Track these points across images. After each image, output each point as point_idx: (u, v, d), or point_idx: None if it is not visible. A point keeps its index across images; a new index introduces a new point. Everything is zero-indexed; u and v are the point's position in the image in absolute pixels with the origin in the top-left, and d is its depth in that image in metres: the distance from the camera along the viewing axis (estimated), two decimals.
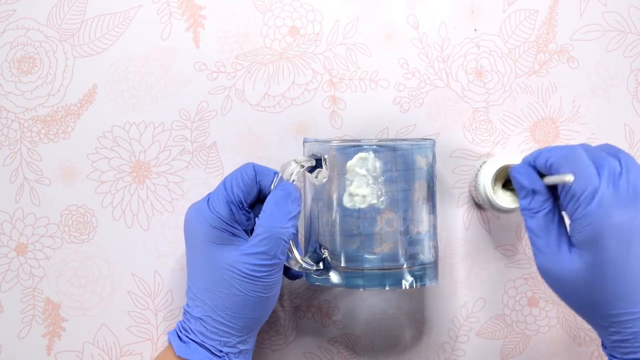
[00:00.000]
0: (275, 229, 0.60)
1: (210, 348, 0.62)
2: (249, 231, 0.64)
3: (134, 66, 0.74)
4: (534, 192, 0.59)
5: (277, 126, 0.73)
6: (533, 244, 0.59)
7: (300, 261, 0.63)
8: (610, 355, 0.58)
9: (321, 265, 0.65)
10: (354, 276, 0.64)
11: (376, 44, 0.74)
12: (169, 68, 0.73)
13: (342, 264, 0.65)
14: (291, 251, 0.62)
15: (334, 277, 0.65)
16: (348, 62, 0.74)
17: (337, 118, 0.74)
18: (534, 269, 0.72)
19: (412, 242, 0.65)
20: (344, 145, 0.65)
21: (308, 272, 0.65)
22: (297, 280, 0.72)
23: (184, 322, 0.64)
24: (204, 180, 0.73)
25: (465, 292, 0.73)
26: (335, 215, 0.65)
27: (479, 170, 0.71)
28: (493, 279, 0.73)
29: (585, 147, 0.58)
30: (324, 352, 0.73)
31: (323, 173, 0.65)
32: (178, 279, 0.73)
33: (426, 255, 0.66)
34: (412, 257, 0.65)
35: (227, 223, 0.62)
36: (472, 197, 0.73)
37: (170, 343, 0.64)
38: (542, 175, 0.60)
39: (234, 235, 0.62)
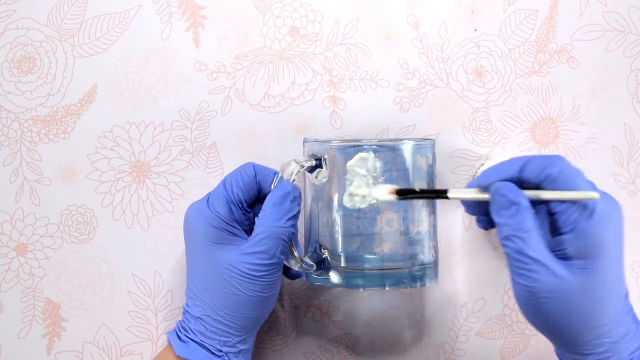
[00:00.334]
0: (275, 229, 0.60)
1: (210, 348, 0.62)
2: (249, 231, 0.64)
3: (134, 66, 0.74)
4: (525, 209, 0.56)
5: (277, 126, 0.74)
6: (523, 265, 0.56)
7: (300, 261, 0.63)
8: None
9: (321, 265, 0.65)
10: (354, 276, 0.64)
11: (376, 44, 0.74)
12: (169, 68, 0.74)
13: (342, 264, 0.65)
14: (291, 251, 0.62)
15: (334, 277, 0.65)
16: (348, 62, 0.74)
17: (337, 118, 0.74)
18: None
19: (412, 242, 0.65)
20: (344, 145, 0.65)
21: (308, 272, 0.65)
22: (297, 280, 0.72)
23: (184, 322, 0.64)
24: (204, 180, 0.73)
25: (465, 292, 0.73)
26: (335, 215, 0.65)
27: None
28: (493, 279, 0.73)
29: (536, 157, 0.58)
30: (324, 352, 0.73)
31: (323, 173, 0.65)
32: (178, 279, 0.73)
33: (426, 255, 0.66)
34: (412, 257, 0.65)
35: (226, 222, 0.62)
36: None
37: (169, 343, 0.64)
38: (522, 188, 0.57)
39: (234, 234, 0.62)
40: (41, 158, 0.73)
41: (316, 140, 0.67)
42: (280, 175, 0.63)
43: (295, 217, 0.62)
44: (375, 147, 0.64)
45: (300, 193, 0.63)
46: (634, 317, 0.59)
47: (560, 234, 0.56)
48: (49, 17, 0.73)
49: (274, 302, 0.64)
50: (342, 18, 0.74)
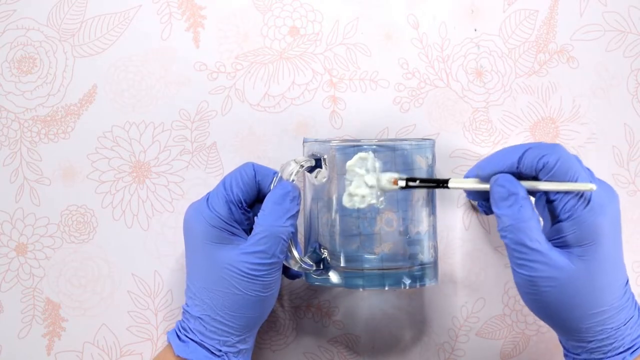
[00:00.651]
0: (274, 228, 0.60)
1: (210, 347, 0.62)
2: (248, 230, 0.64)
3: (134, 66, 0.74)
4: (523, 199, 0.57)
5: (277, 126, 0.74)
6: (522, 255, 0.57)
7: (300, 261, 0.63)
8: None
9: (321, 265, 0.65)
10: (354, 276, 0.64)
11: (376, 44, 0.74)
12: (169, 68, 0.74)
13: (342, 264, 0.65)
14: (290, 251, 0.62)
15: (333, 277, 0.65)
16: (348, 62, 0.74)
17: (337, 118, 0.74)
18: None
19: (411, 242, 0.65)
20: (343, 145, 0.65)
21: (307, 272, 0.65)
22: (297, 280, 0.72)
23: (183, 322, 0.64)
24: (204, 180, 0.73)
25: (465, 292, 0.73)
26: (335, 215, 0.65)
27: None
28: (493, 279, 0.73)
29: (535, 144, 0.58)
30: (324, 352, 0.73)
31: (323, 173, 0.65)
32: (178, 279, 0.73)
33: (426, 255, 0.66)
34: (411, 257, 0.65)
35: (226, 222, 0.62)
36: (469, 200, 0.73)
37: (169, 343, 0.64)
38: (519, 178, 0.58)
39: (233, 234, 0.62)
40: (41, 158, 0.73)
41: (316, 140, 0.67)
42: (279, 175, 0.63)
43: (295, 216, 0.62)
44: (375, 147, 0.64)
45: (299, 193, 0.63)
46: (636, 304, 0.60)
47: (559, 221, 0.57)
48: (49, 17, 0.73)
49: (274, 302, 0.64)
50: (342, 18, 0.74)
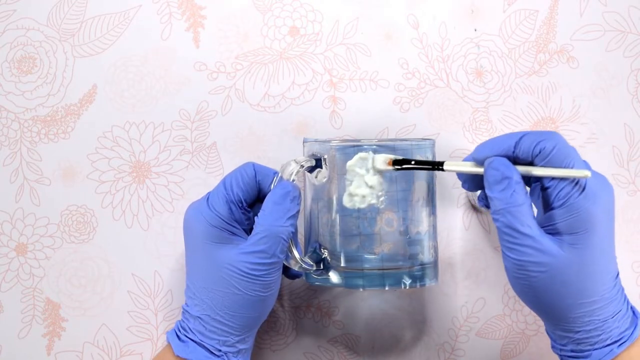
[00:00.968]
0: (274, 228, 0.60)
1: (209, 347, 0.62)
2: (249, 230, 0.64)
3: (134, 66, 0.74)
4: (516, 183, 0.57)
5: (277, 126, 0.74)
6: (513, 239, 0.56)
7: (300, 261, 0.63)
8: (571, 352, 0.59)
9: (321, 265, 0.65)
10: (354, 276, 0.64)
11: (376, 44, 0.74)
12: (169, 68, 0.74)
13: (342, 264, 0.65)
14: (291, 251, 0.62)
15: (333, 277, 0.65)
16: (348, 62, 0.74)
17: (337, 118, 0.74)
18: None
19: (411, 242, 0.65)
20: (343, 145, 0.65)
21: (308, 272, 0.65)
22: (297, 280, 0.72)
23: (183, 322, 0.64)
24: (204, 180, 0.73)
25: (465, 292, 0.73)
26: (335, 215, 0.65)
27: None
28: (493, 279, 0.73)
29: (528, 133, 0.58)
30: (324, 352, 0.73)
31: (323, 173, 0.65)
32: (178, 279, 0.73)
33: (426, 255, 0.66)
34: (411, 257, 0.65)
35: (226, 222, 0.62)
36: (469, 200, 0.73)
37: (169, 342, 0.64)
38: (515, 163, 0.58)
39: (234, 234, 0.62)
40: (41, 158, 0.73)
41: (316, 140, 0.67)
42: (280, 175, 0.63)
43: (295, 216, 0.62)
44: (375, 147, 0.64)
45: (300, 192, 0.63)
46: (625, 297, 0.60)
47: (552, 208, 0.57)
48: (49, 17, 0.73)
49: (274, 302, 0.64)
50: (342, 18, 0.74)
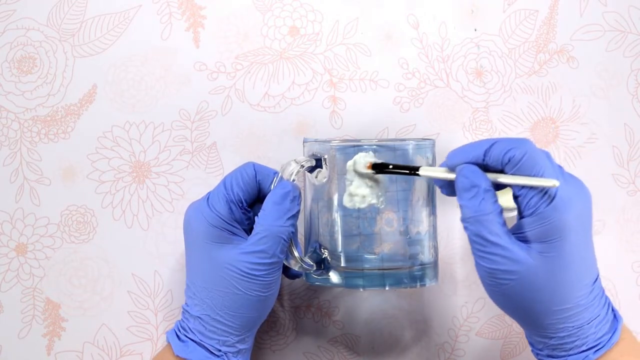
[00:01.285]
0: (274, 227, 0.60)
1: (209, 347, 0.62)
2: (249, 230, 0.64)
3: (134, 66, 0.74)
4: (485, 191, 0.56)
5: (277, 126, 0.74)
6: (482, 247, 0.56)
7: (300, 261, 0.63)
8: (547, 357, 0.59)
9: (321, 265, 0.65)
10: (354, 276, 0.64)
11: (376, 44, 0.74)
12: (169, 68, 0.74)
13: (342, 264, 0.65)
14: (291, 251, 0.62)
15: (333, 277, 0.65)
16: (348, 62, 0.74)
17: (337, 118, 0.74)
18: None
19: (412, 242, 0.65)
20: (343, 145, 0.65)
21: (308, 272, 0.65)
22: (297, 280, 0.72)
23: (183, 321, 0.64)
24: (204, 180, 0.73)
25: (465, 292, 0.73)
26: (335, 215, 0.65)
27: None
28: None
29: (502, 140, 0.58)
30: (324, 352, 0.73)
31: (323, 173, 0.65)
32: (178, 279, 0.73)
33: (426, 255, 0.66)
34: (412, 257, 0.65)
35: (226, 222, 0.62)
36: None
37: (168, 342, 0.64)
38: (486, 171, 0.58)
39: (234, 234, 0.62)
40: (41, 158, 0.73)
41: (316, 140, 0.67)
42: (280, 175, 0.63)
43: (295, 216, 0.62)
44: (375, 147, 0.64)
45: (300, 192, 0.63)
46: (606, 301, 0.59)
47: (522, 217, 0.57)
48: (49, 17, 0.73)
49: (274, 302, 0.64)
50: (342, 18, 0.74)
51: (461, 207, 0.57)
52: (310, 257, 0.65)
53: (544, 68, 0.74)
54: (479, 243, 0.57)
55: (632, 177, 0.74)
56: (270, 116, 0.74)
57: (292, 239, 0.62)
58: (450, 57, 0.74)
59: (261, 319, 0.64)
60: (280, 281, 0.63)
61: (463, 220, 0.57)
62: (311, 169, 0.66)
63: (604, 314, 0.58)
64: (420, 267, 0.65)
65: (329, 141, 0.66)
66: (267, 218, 0.61)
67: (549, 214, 0.55)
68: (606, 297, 0.59)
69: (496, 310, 0.73)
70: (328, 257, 0.65)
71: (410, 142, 0.66)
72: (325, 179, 0.65)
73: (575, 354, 0.58)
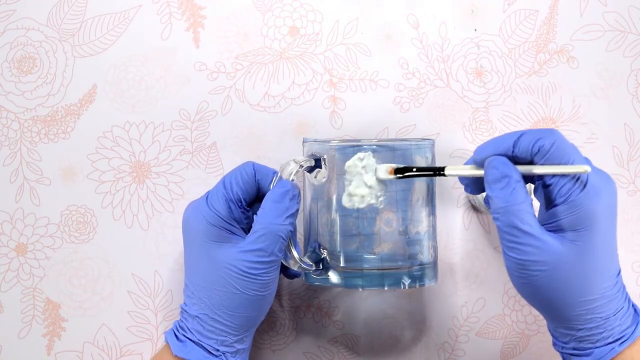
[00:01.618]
0: (273, 226, 0.60)
1: (207, 347, 0.62)
2: (247, 230, 0.64)
3: (134, 66, 0.74)
4: (516, 182, 0.56)
5: (277, 126, 0.74)
6: (514, 238, 0.56)
7: (299, 261, 0.63)
8: (573, 350, 0.59)
9: (320, 265, 0.65)
10: (353, 276, 0.64)
11: (376, 44, 0.74)
12: (169, 68, 0.74)
13: (341, 264, 0.65)
14: (290, 250, 0.62)
15: (333, 277, 0.65)
16: (348, 62, 0.74)
17: (337, 118, 0.74)
18: None
19: (411, 242, 0.65)
20: (343, 145, 0.65)
21: (307, 272, 0.65)
22: (297, 280, 0.72)
23: (181, 321, 0.64)
24: (204, 180, 0.73)
25: (465, 292, 0.73)
26: (335, 215, 0.65)
27: None
28: (493, 279, 0.73)
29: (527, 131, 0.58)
30: (324, 352, 0.73)
31: (322, 173, 0.65)
32: (178, 279, 0.73)
33: (425, 256, 0.66)
34: (411, 257, 0.65)
35: (225, 221, 0.62)
36: (469, 200, 0.73)
37: (167, 342, 0.64)
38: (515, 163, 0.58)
39: (232, 233, 0.62)
40: (41, 158, 0.73)
41: (315, 140, 0.67)
42: (279, 174, 0.63)
43: (294, 215, 0.62)
44: (374, 147, 0.64)
45: (299, 192, 0.63)
46: (627, 296, 0.59)
47: (554, 205, 0.57)
48: (49, 17, 0.74)
49: (271, 302, 0.64)
50: (342, 18, 0.74)
51: (491, 198, 0.57)
52: (309, 257, 0.65)
53: (544, 68, 0.74)
54: (510, 234, 0.56)
55: (632, 177, 0.74)
56: (270, 116, 0.74)
57: (291, 238, 0.62)
58: (450, 57, 0.74)
59: (259, 319, 0.64)
60: (278, 281, 0.63)
61: (493, 211, 0.57)
62: (310, 169, 0.66)
63: (627, 306, 0.59)
64: (419, 267, 0.65)
65: (328, 141, 0.66)
66: (266, 216, 0.61)
67: (581, 201, 0.55)
68: (626, 292, 0.60)
69: (496, 310, 0.73)
70: (327, 257, 0.65)
71: (410, 142, 0.66)
72: (325, 179, 0.65)
73: (602, 345, 0.58)
